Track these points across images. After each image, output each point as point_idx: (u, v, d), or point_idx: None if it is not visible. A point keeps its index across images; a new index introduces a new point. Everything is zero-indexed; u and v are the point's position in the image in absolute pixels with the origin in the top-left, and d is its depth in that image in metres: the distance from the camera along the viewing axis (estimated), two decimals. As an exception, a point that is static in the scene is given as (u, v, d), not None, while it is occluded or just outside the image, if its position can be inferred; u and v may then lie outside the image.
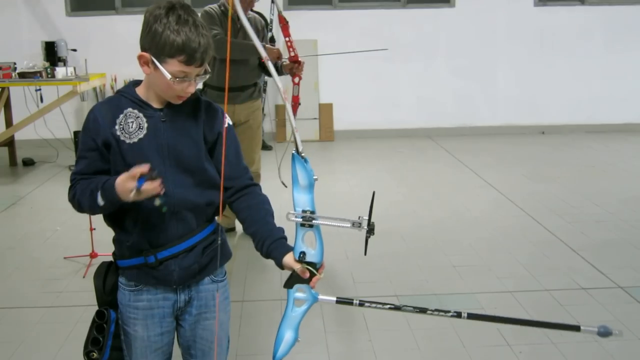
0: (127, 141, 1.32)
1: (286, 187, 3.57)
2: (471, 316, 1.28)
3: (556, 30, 6.49)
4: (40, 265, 3.18)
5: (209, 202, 1.40)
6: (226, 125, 1.40)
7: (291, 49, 3.25)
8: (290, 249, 1.32)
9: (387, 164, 5.33)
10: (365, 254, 1.30)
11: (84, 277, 2.98)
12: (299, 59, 3.26)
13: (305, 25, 5.96)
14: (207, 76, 1.34)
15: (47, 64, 5.02)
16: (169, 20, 1.25)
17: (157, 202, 1.27)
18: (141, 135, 1.32)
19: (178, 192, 1.35)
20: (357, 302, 1.30)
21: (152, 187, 1.22)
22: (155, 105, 1.35)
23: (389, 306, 1.32)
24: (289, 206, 3.40)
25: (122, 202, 1.26)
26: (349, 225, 1.21)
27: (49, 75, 4.94)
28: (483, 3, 6.42)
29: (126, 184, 1.23)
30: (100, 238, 3.01)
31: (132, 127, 1.32)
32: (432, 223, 3.79)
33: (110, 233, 1.43)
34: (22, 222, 4.00)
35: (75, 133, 5.33)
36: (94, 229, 3.02)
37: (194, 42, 1.26)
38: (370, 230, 1.22)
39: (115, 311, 1.42)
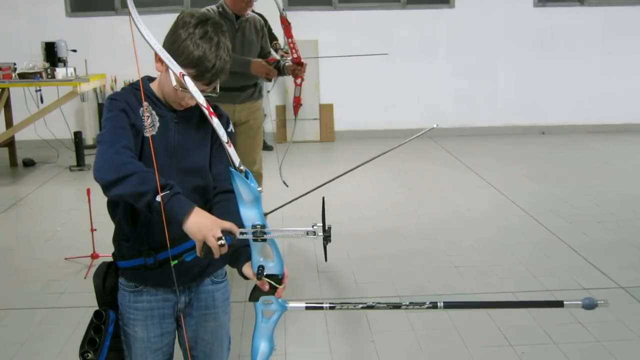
0: (144, 134, 1.31)
1: (287, 186, 3.58)
2: (447, 305, 1.24)
3: (556, 30, 6.50)
4: (41, 266, 3.17)
5: (209, 200, 1.40)
6: (229, 130, 1.41)
7: (294, 51, 3.25)
8: (248, 259, 1.28)
9: (388, 164, 5.32)
10: (325, 260, 1.27)
11: (85, 278, 2.98)
12: (302, 61, 3.26)
13: (306, 25, 5.95)
14: (214, 95, 1.34)
15: (47, 65, 5.02)
16: (195, 32, 1.26)
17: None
18: (153, 132, 1.32)
19: (183, 193, 1.34)
20: (327, 305, 1.29)
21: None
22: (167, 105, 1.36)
23: (361, 306, 1.30)
24: (290, 207, 3.44)
25: (179, 222, 1.20)
26: (302, 234, 1.18)
27: (49, 76, 4.93)
28: (483, 4, 6.43)
29: (211, 231, 1.17)
30: (101, 239, 3.01)
31: (147, 121, 1.32)
32: (434, 223, 3.79)
33: (110, 234, 1.43)
34: (22, 223, 4.00)
35: (76, 134, 5.33)
36: (95, 229, 3.02)
37: (209, 62, 1.27)
38: (327, 237, 1.18)
39: (115, 312, 1.42)
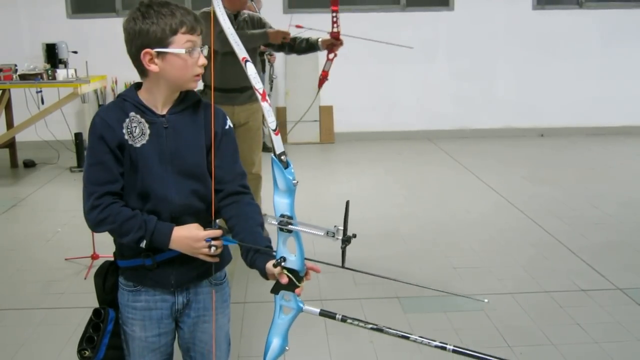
0: (134, 145, 1.33)
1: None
2: (456, 351, 1.20)
3: (554, 33, 6.52)
4: (41, 267, 3.18)
5: (209, 202, 1.40)
6: (227, 127, 1.41)
7: (335, 25, 3.21)
8: (272, 258, 1.29)
9: (388, 166, 5.34)
10: (342, 265, 1.26)
11: (85, 278, 2.98)
12: (340, 37, 3.24)
13: (305, 32, 5.97)
14: (206, 47, 1.38)
15: (48, 66, 5.03)
16: (155, 11, 1.29)
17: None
18: (144, 141, 1.32)
19: (179, 198, 1.35)
20: (340, 317, 1.31)
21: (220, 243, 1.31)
22: (158, 110, 1.35)
23: (370, 326, 1.29)
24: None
25: (168, 248, 1.32)
26: (322, 233, 1.19)
27: (50, 77, 4.95)
28: (482, 6, 6.45)
29: (197, 244, 1.30)
30: (101, 239, 2.99)
31: (136, 131, 1.32)
32: (433, 225, 3.80)
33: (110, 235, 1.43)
34: (23, 223, 4.01)
35: (76, 135, 5.35)
36: (96, 230, 3.03)
37: (188, 13, 1.32)
38: (346, 240, 1.20)
39: (115, 310, 1.43)
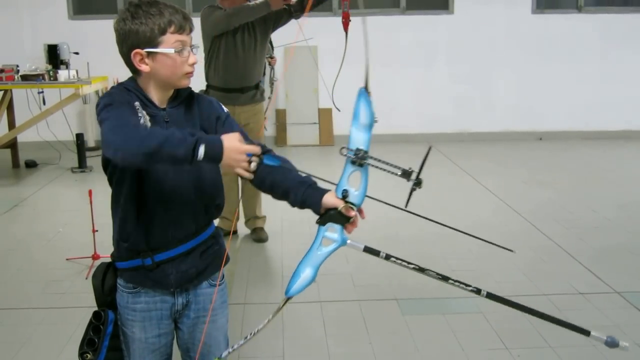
0: None
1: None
2: (490, 296, 1.27)
3: (553, 37, 6.55)
4: (42, 267, 3.19)
5: (208, 203, 1.42)
6: (225, 110, 1.42)
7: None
8: (326, 190, 1.30)
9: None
10: (406, 205, 1.29)
11: (86, 278, 3.00)
12: None
13: (305, 31, 5.99)
14: (199, 47, 1.38)
15: (49, 67, 5.06)
16: (144, 11, 1.29)
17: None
18: None
19: (179, 196, 1.36)
20: (384, 254, 1.32)
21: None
22: (157, 104, 1.36)
23: (412, 266, 1.36)
24: (289, 211, 3.42)
25: (216, 163, 1.22)
26: (399, 172, 1.21)
27: (52, 78, 4.97)
28: (481, 10, 6.48)
29: (240, 156, 1.22)
30: (102, 240, 3.03)
31: (140, 121, 1.31)
32: (431, 228, 3.76)
33: (111, 235, 1.44)
34: (24, 223, 4.02)
35: (78, 135, 5.36)
36: (97, 230, 3.05)
37: (176, 12, 1.31)
38: (417, 183, 1.23)
39: (114, 312, 1.43)
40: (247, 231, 3.68)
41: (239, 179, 3.60)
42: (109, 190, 1.41)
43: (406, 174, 1.19)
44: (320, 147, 6.46)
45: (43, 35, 5.72)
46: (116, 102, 1.28)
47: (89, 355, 1.37)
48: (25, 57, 5.53)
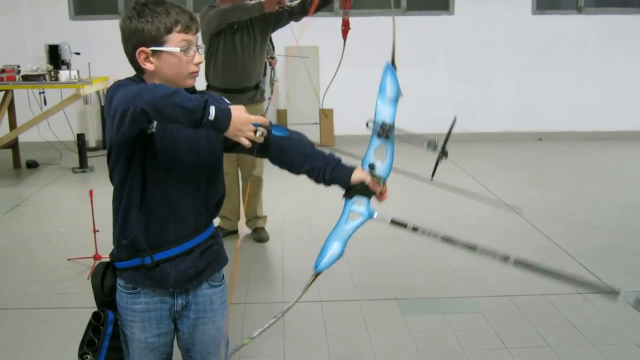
0: (147, 131, 1.32)
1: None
2: (517, 263, 1.30)
3: (553, 38, 6.56)
4: (43, 267, 3.20)
5: (209, 201, 1.41)
6: (227, 103, 1.40)
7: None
8: (353, 167, 1.33)
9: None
10: (432, 177, 1.34)
11: (87, 278, 3.00)
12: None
13: (307, 31, 6.00)
14: (204, 47, 1.38)
15: (50, 67, 5.07)
16: (150, 10, 1.30)
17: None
18: (153, 129, 1.32)
19: (180, 193, 1.36)
20: (411, 227, 1.35)
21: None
22: None
23: (441, 237, 1.38)
24: (290, 211, 3.52)
25: (222, 132, 1.22)
26: (424, 144, 1.24)
27: (53, 79, 4.98)
28: (482, 11, 6.49)
29: (245, 126, 1.22)
30: (103, 240, 3.03)
31: None
32: (431, 228, 3.82)
33: (112, 235, 1.44)
34: (25, 223, 4.03)
35: (79, 136, 5.38)
36: (98, 230, 3.05)
37: (183, 12, 1.32)
38: (444, 154, 1.29)
39: (114, 312, 1.42)
40: (248, 231, 3.69)
41: (240, 179, 3.62)
42: (110, 191, 1.41)
43: (431, 145, 1.22)
44: (321, 147, 6.46)
45: (44, 36, 5.74)
46: (126, 84, 1.30)
47: (89, 356, 1.37)
48: (27, 57, 5.54)
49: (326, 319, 2.60)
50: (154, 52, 1.30)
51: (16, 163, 5.50)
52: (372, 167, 1.27)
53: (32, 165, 5.50)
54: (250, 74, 3.39)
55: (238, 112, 1.23)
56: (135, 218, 1.35)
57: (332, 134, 6.55)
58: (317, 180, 1.38)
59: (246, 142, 1.24)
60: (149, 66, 1.31)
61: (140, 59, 1.31)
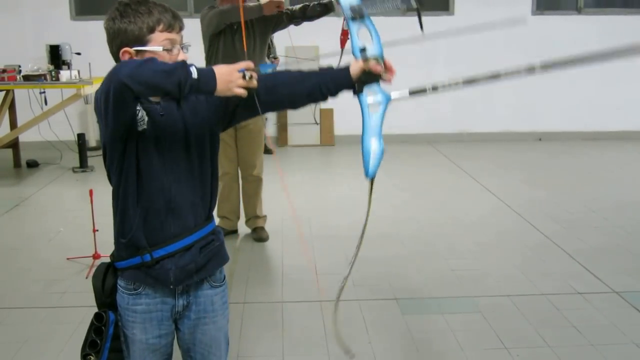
0: (138, 128, 1.32)
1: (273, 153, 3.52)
2: (544, 66, 1.28)
3: (553, 38, 6.57)
4: (43, 266, 3.21)
5: (206, 196, 1.41)
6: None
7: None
8: (347, 66, 1.31)
9: (387, 168, 5.36)
10: (422, 29, 1.33)
11: (86, 277, 3.01)
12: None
13: (307, 31, 6.01)
14: (190, 46, 1.37)
15: (51, 67, 5.07)
16: (133, 10, 1.30)
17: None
18: (144, 126, 1.32)
19: (176, 187, 1.35)
20: (430, 88, 1.32)
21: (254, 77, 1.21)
22: (151, 99, 1.35)
23: (462, 81, 1.34)
24: (288, 211, 3.53)
25: (212, 92, 1.20)
26: (398, 3, 1.27)
27: (53, 78, 4.99)
28: (482, 11, 6.49)
29: (232, 76, 1.20)
30: (103, 239, 3.04)
31: (139, 115, 1.32)
32: (431, 227, 3.83)
33: (112, 234, 1.44)
34: (25, 223, 4.03)
35: (79, 135, 5.38)
36: (97, 230, 3.06)
37: (165, 11, 1.32)
38: (420, 3, 1.28)
39: (115, 313, 1.42)
40: (248, 230, 3.69)
41: (239, 178, 3.62)
42: (109, 190, 1.42)
43: (406, 1, 1.23)
44: (321, 147, 6.48)
45: (45, 36, 5.75)
46: None
47: (92, 357, 1.36)
48: (28, 57, 5.55)
49: (325, 318, 2.60)
50: (137, 51, 1.30)
51: (17, 162, 5.51)
52: (363, 50, 1.25)
53: (33, 164, 5.50)
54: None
55: (219, 67, 1.22)
56: (132, 215, 1.35)
57: (332, 134, 6.55)
58: (323, 96, 1.34)
59: (241, 91, 1.21)
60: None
61: (125, 59, 1.31)
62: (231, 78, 1.20)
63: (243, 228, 3.71)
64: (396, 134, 6.49)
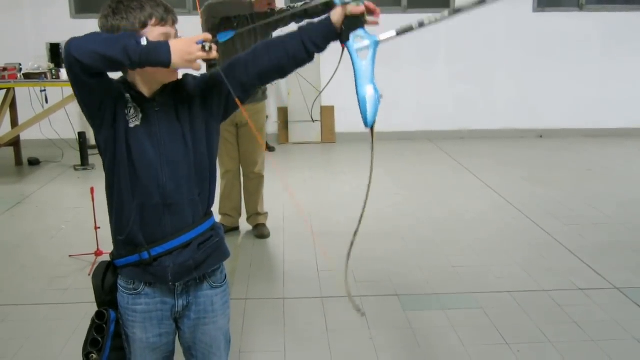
0: (128, 123, 1.32)
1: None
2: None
3: (554, 35, 6.56)
4: (45, 263, 3.22)
5: (205, 192, 1.40)
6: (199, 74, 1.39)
7: None
8: (327, 15, 1.29)
9: (388, 166, 5.38)
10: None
11: (89, 274, 3.01)
12: None
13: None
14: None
15: (52, 65, 5.07)
16: (125, 6, 1.30)
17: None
18: (137, 122, 1.32)
19: (172, 183, 1.34)
20: (417, 25, 1.28)
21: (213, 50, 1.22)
22: (145, 95, 1.35)
23: (447, 13, 1.30)
24: (290, 208, 3.54)
25: (167, 61, 1.20)
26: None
27: (54, 77, 4.99)
28: (482, 8, 6.44)
29: (190, 48, 1.20)
30: (105, 236, 3.02)
31: (131, 111, 1.31)
32: (432, 224, 3.84)
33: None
34: (27, 220, 4.04)
35: (80, 134, 5.38)
36: (99, 227, 3.07)
37: (157, 5, 1.31)
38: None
39: (115, 311, 1.42)
40: (249, 227, 3.70)
41: (241, 176, 3.63)
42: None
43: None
44: (322, 144, 6.48)
45: (46, 34, 5.73)
46: None
47: (94, 356, 1.36)
48: (28, 55, 5.55)
49: (327, 314, 2.61)
50: None
51: (18, 161, 5.52)
52: None
53: (34, 162, 5.51)
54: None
55: (175, 40, 1.24)
56: (128, 212, 1.35)
57: (333, 131, 6.56)
58: (309, 53, 1.32)
59: (197, 66, 1.22)
60: None
61: None
62: (189, 50, 1.20)
63: (244, 225, 3.72)
64: (397, 131, 6.51)
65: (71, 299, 2.79)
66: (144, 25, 1.29)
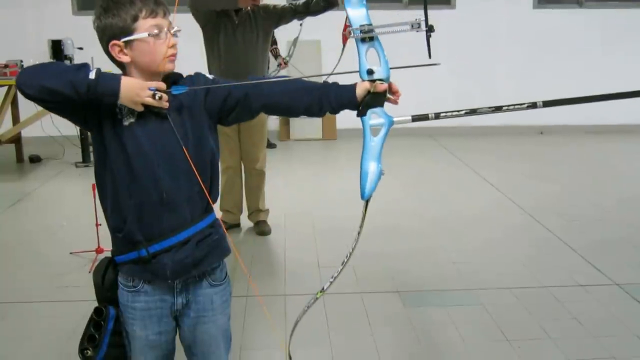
0: (122, 122, 1.32)
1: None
2: (547, 104, 1.32)
3: (554, 31, 6.55)
4: (46, 261, 3.22)
5: (200, 188, 1.38)
6: (211, 77, 1.41)
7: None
8: (353, 84, 1.31)
9: (389, 162, 5.36)
10: (429, 56, 1.30)
11: (89, 272, 3.00)
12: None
13: (308, 25, 6.00)
14: (180, 31, 1.36)
15: (53, 62, 5.07)
16: (114, 3, 1.30)
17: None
18: (132, 120, 1.31)
19: (169, 180, 1.34)
20: (432, 115, 1.32)
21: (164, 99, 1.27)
22: None
23: (464, 111, 1.36)
24: (290, 205, 3.53)
25: (115, 97, 1.24)
26: (408, 27, 1.22)
27: (55, 74, 4.99)
28: (483, 5, 6.47)
29: (141, 90, 1.25)
30: (105, 234, 3.02)
31: (125, 110, 1.31)
32: (433, 221, 3.84)
33: None
34: (28, 218, 4.05)
35: (81, 131, 5.38)
36: (100, 224, 3.07)
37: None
38: (430, 29, 1.25)
39: (115, 308, 1.41)
40: (250, 224, 3.70)
41: (242, 172, 3.63)
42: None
43: (415, 26, 1.20)
44: (323, 141, 6.48)
45: (47, 31, 5.74)
46: None
47: (89, 352, 1.36)
48: (30, 52, 5.53)
49: (328, 312, 2.61)
50: (126, 43, 1.30)
51: (19, 158, 5.53)
52: (370, 72, 1.25)
53: (35, 159, 5.52)
54: (253, 70, 3.38)
55: (129, 78, 1.28)
56: (125, 209, 1.35)
57: (334, 128, 6.55)
58: (321, 112, 1.36)
59: (140, 107, 1.27)
60: (124, 58, 1.32)
61: (115, 52, 1.31)
62: (139, 92, 1.26)
63: (245, 222, 3.72)
64: (398, 127, 6.49)
65: (72, 296, 2.79)
66: (135, 19, 1.30)
